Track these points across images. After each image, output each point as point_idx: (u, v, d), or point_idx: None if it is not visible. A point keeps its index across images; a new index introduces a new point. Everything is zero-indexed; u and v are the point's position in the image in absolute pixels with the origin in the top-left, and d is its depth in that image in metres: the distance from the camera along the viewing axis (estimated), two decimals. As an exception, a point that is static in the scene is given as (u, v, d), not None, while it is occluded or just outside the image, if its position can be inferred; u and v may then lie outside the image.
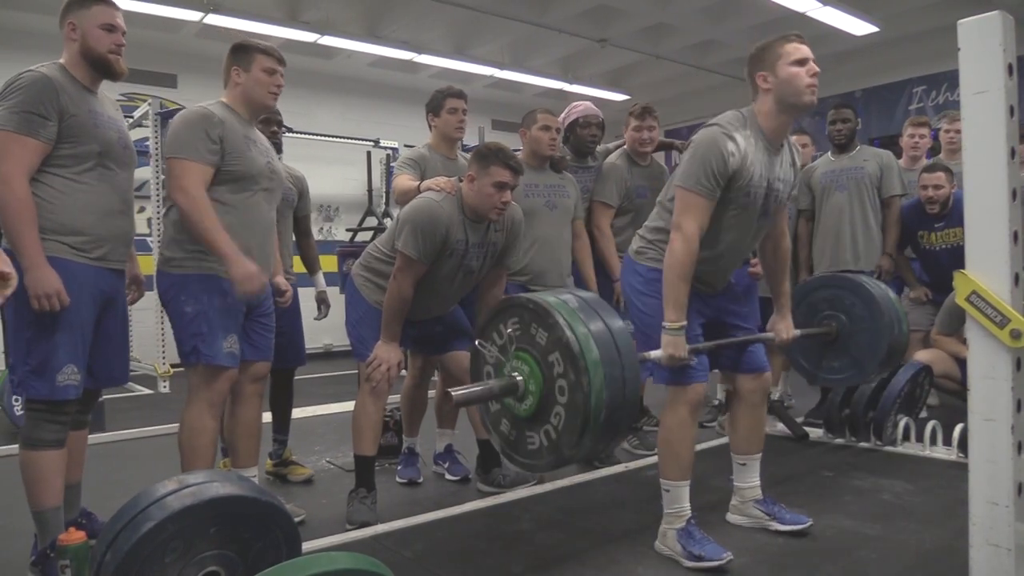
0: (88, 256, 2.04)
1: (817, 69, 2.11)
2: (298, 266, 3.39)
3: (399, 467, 3.12)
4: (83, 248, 2.03)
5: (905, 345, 2.77)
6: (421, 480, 3.05)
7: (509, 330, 1.87)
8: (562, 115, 3.34)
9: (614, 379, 1.72)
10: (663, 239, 2.17)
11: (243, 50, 2.32)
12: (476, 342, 1.97)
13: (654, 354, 2.06)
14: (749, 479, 2.39)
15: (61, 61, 2.09)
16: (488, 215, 2.46)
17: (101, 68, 2.10)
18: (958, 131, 3.34)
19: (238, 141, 2.23)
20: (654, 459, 3.24)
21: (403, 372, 3.11)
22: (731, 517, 2.43)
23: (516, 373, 1.83)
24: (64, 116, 1.99)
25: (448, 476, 3.11)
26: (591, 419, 1.70)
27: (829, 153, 3.97)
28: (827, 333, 2.71)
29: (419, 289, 2.50)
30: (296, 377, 3.27)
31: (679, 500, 2.17)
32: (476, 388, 1.90)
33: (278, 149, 2.93)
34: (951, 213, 3.67)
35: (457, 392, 1.83)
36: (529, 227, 2.85)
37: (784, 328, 2.45)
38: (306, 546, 1.81)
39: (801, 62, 2.09)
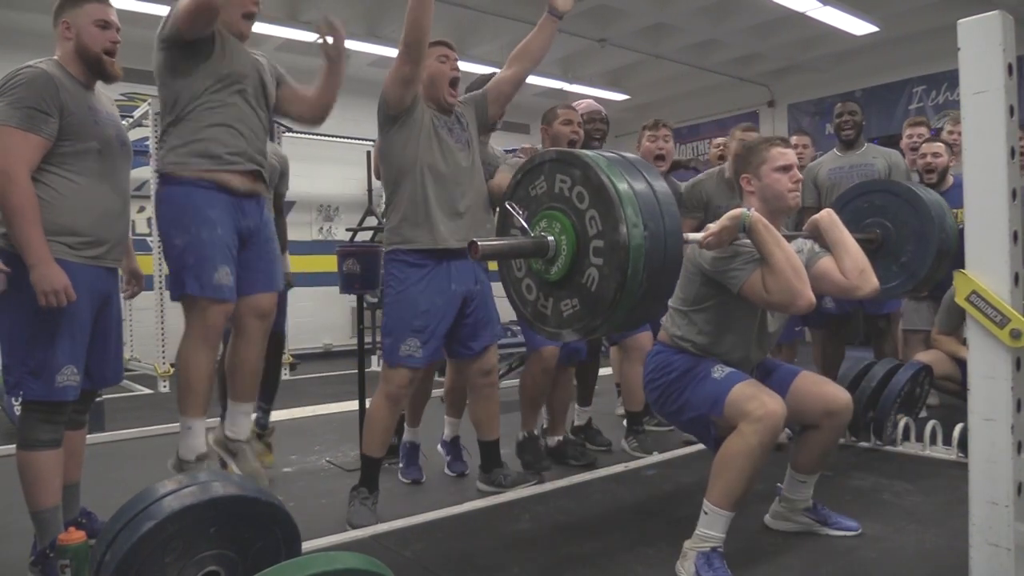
0: (86, 256, 2.04)
1: (800, 176, 2.15)
2: (297, 266, 3.39)
3: (401, 465, 3.11)
4: (81, 248, 2.03)
5: (954, 245, 2.61)
6: (424, 480, 3.05)
7: (540, 189, 1.77)
8: None
9: (656, 241, 1.60)
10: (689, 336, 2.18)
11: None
12: (506, 203, 1.86)
13: (693, 236, 1.98)
14: (801, 494, 2.30)
15: (56, 57, 2.07)
16: (443, 95, 2.61)
17: (95, 68, 2.09)
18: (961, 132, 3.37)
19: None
20: (654, 459, 3.25)
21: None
22: (772, 522, 2.36)
23: (546, 233, 1.72)
24: (64, 113, 1.98)
25: (447, 470, 3.12)
26: (627, 283, 1.58)
27: (835, 149, 3.94)
28: (871, 240, 2.57)
29: (434, 180, 2.51)
30: (296, 377, 3.27)
31: (715, 527, 1.98)
32: (503, 241, 1.80)
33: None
34: (950, 192, 3.64)
35: (483, 242, 1.67)
36: None
37: None
38: (306, 546, 1.81)
39: (785, 168, 2.12)
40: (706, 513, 2.00)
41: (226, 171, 2.21)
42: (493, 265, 2.27)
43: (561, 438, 3.30)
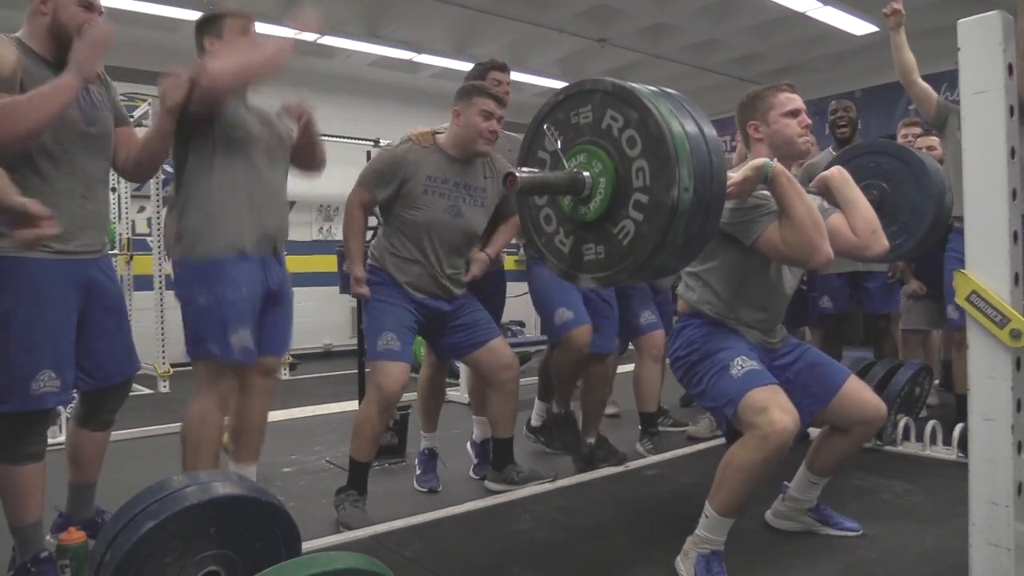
0: (57, 251, 1.88)
1: (809, 121, 2.11)
2: (297, 266, 3.39)
3: (418, 472, 3.03)
4: (52, 243, 1.83)
5: (949, 215, 2.61)
6: (440, 488, 2.98)
7: (584, 119, 1.63)
8: None
9: (700, 206, 1.51)
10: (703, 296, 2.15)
11: (213, 20, 2.19)
12: (543, 126, 1.72)
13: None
14: (809, 494, 2.29)
15: (17, 35, 1.90)
16: (477, 146, 2.56)
17: (67, 46, 1.88)
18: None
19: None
20: (654, 459, 3.25)
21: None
22: (774, 520, 2.36)
23: (583, 169, 1.60)
24: (13, 93, 1.77)
25: (472, 473, 3.12)
26: (665, 246, 1.50)
27: (831, 148, 3.92)
28: (870, 201, 2.53)
29: (414, 233, 2.56)
30: (296, 377, 3.28)
31: (715, 531, 1.97)
32: (542, 174, 1.66)
33: None
34: None
35: (522, 174, 1.57)
36: None
37: None
38: (306, 546, 1.81)
39: (793, 113, 2.09)
40: (707, 516, 1.99)
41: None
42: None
43: (593, 440, 3.19)
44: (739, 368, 1.97)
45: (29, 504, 1.91)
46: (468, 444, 3.25)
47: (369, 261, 2.67)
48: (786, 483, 2.35)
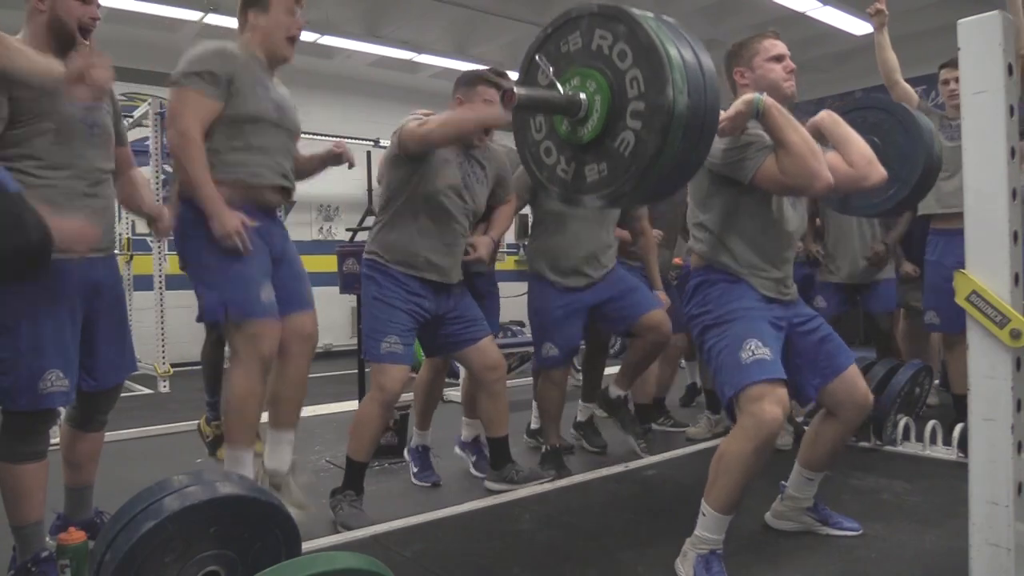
0: (63, 250, 1.80)
1: (793, 66, 2.14)
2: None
3: (415, 470, 3.07)
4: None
5: (940, 163, 2.64)
6: (441, 483, 3.02)
7: (574, 46, 1.68)
8: None
9: (696, 113, 1.54)
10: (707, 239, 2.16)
11: None
12: (535, 56, 1.76)
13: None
14: (806, 491, 2.29)
15: (18, 36, 1.89)
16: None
17: (67, 46, 1.92)
18: (944, 82, 3.36)
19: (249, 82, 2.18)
20: (654, 459, 3.25)
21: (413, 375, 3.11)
22: (773, 521, 2.35)
23: (578, 91, 1.65)
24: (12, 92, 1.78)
25: (473, 470, 3.13)
26: (665, 149, 1.53)
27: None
28: None
29: (427, 210, 2.57)
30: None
31: (713, 530, 1.98)
32: (540, 91, 1.70)
33: None
34: None
35: (519, 89, 1.63)
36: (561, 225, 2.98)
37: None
38: (305, 546, 1.81)
39: (778, 58, 2.12)
40: (704, 515, 2.00)
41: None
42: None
43: (622, 394, 3.32)
44: (750, 353, 1.96)
45: (31, 503, 1.91)
46: (456, 447, 3.24)
47: (369, 257, 2.67)
48: (783, 483, 2.35)
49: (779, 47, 2.14)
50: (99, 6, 2.00)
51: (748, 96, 1.95)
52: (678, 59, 1.53)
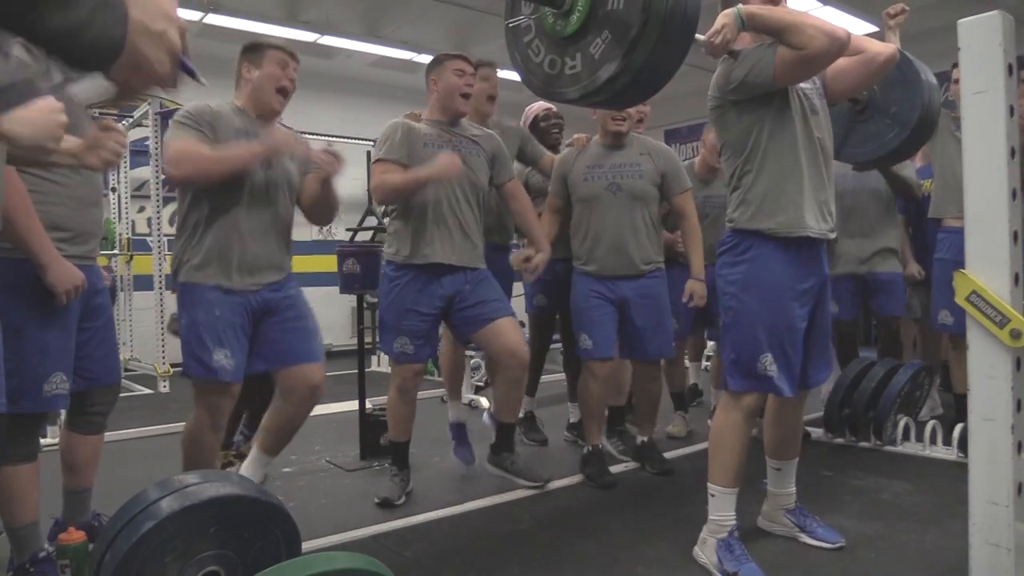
0: (69, 255, 1.92)
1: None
2: (298, 266, 3.40)
3: (454, 444, 3.16)
4: (65, 244, 1.91)
5: (938, 107, 2.61)
6: (474, 462, 3.10)
7: None
8: (522, 119, 3.64)
9: (674, 12, 1.64)
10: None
11: (255, 48, 2.31)
12: None
13: (700, 38, 1.94)
14: (782, 485, 2.30)
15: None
16: (457, 106, 2.64)
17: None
18: (955, 81, 3.28)
19: (228, 135, 2.21)
20: (654, 459, 3.25)
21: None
22: (761, 523, 2.35)
23: None
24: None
25: (453, 455, 3.17)
26: (641, 41, 1.62)
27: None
28: (857, 101, 2.53)
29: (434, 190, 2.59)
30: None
31: (725, 508, 2.06)
32: None
33: None
34: (923, 169, 3.60)
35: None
36: (590, 215, 2.96)
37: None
38: (305, 546, 1.81)
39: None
40: (713, 496, 2.06)
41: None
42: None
43: (647, 438, 3.18)
44: (763, 368, 2.02)
45: (25, 504, 1.92)
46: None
47: (387, 258, 2.74)
48: (765, 480, 2.37)
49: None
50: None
51: (727, 11, 1.96)
52: None
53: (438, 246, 2.62)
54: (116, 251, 6.04)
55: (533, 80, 1.91)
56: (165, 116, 5.61)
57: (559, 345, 3.70)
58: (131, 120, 5.78)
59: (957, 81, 3.29)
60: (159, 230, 5.70)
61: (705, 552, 2.08)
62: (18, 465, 1.90)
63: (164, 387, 5.52)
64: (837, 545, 2.19)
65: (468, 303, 2.70)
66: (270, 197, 2.29)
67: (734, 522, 2.06)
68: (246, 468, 2.44)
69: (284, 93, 2.32)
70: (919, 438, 3.21)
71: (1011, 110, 1.53)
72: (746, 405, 2.07)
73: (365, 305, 3.86)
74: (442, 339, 3.20)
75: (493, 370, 2.93)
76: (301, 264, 3.41)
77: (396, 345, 2.65)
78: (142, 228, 6.64)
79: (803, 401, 2.29)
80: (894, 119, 2.52)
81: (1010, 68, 1.53)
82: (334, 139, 7.61)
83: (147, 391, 5.47)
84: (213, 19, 6.14)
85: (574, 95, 1.80)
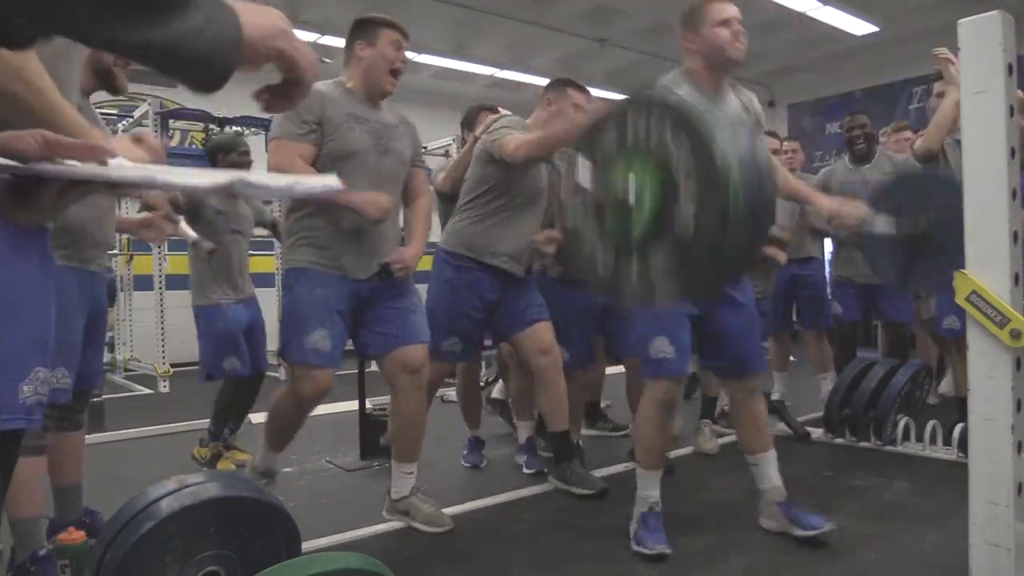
0: (82, 259, 1.97)
1: (741, 29, 2.18)
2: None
3: (464, 452, 3.28)
4: (71, 252, 1.95)
5: None
6: (484, 465, 3.23)
7: (610, 140, 1.65)
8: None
9: (749, 171, 1.47)
10: None
11: (368, 24, 2.31)
12: (577, 155, 1.76)
13: None
14: (765, 481, 2.31)
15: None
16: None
17: (105, 79, 2.02)
18: (940, 95, 3.22)
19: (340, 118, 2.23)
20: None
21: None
22: (763, 522, 2.33)
23: (623, 181, 1.59)
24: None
25: (525, 469, 3.11)
26: (729, 220, 1.45)
27: (847, 160, 3.86)
28: (920, 228, 2.40)
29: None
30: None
31: (647, 487, 2.26)
32: (591, 193, 1.69)
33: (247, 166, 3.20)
34: None
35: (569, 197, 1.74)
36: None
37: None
38: (305, 546, 1.81)
39: (725, 23, 2.16)
40: (638, 475, 2.29)
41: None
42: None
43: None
44: (657, 352, 2.18)
45: (31, 497, 1.94)
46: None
47: (448, 249, 2.73)
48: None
49: (727, 11, 2.16)
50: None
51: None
52: (714, 123, 1.50)
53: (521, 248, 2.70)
54: (116, 251, 6.04)
55: (607, 290, 1.83)
56: (165, 117, 5.61)
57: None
58: (131, 120, 5.77)
59: (940, 95, 3.28)
60: (159, 230, 5.69)
61: (632, 523, 2.25)
62: (25, 457, 1.92)
63: (164, 387, 5.51)
64: (819, 530, 2.19)
65: (510, 305, 2.75)
66: (385, 188, 2.29)
67: (656, 501, 2.24)
68: (394, 485, 2.47)
69: (396, 75, 2.31)
70: (919, 438, 3.20)
71: (1011, 110, 1.53)
72: (655, 396, 2.21)
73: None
74: (459, 372, 3.24)
75: (534, 384, 2.92)
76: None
77: (445, 344, 2.66)
78: (142, 228, 6.63)
79: (753, 394, 2.33)
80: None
81: (1010, 68, 1.53)
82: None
83: (147, 391, 5.46)
84: (213, 19, 6.14)
85: (671, 293, 1.64)
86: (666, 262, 1.56)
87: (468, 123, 3.38)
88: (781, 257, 3.38)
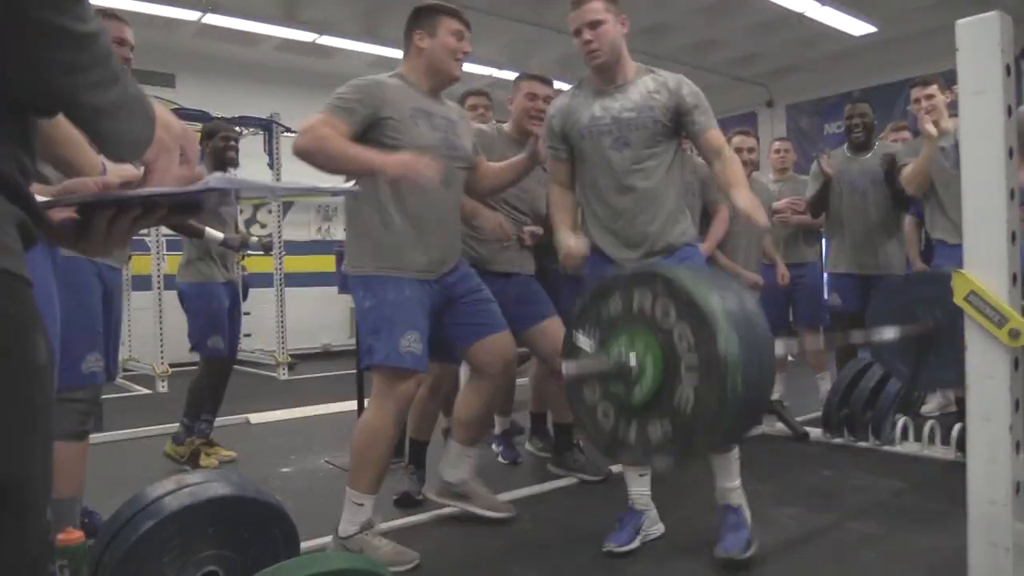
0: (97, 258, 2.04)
1: (591, 38, 2.15)
2: (296, 266, 3.42)
3: (493, 444, 3.38)
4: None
5: None
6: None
7: (615, 309, 1.67)
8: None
9: (751, 350, 1.49)
10: None
11: (427, 14, 2.22)
12: (572, 332, 1.75)
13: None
14: (718, 481, 2.22)
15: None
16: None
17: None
18: (929, 96, 3.20)
19: (404, 113, 2.13)
20: (653, 459, 3.25)
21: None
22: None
23: (625, 352, 1.60)
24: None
25: (501, 459, 3.32)
26: (728, 400, 1.47)
27: (845, 149, 3.85)
28: (924, 329, 2.37)
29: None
30: (294, 377, 3.29)
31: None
32: (587, 362, 1.68)
33: (234, 164, 3.25)
34: None
35: (568, 366, 1.64)
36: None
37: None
38: (305, 546, 1.81)
39: (577, 31, 2.17)
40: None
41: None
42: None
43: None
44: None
45: (72, 477, 1.97)
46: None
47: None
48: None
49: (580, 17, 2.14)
50: (132, 48, 2.21)
51: None
52: (720, 304, 1.51)
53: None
54: (115, 251, 6.04)
55: (605, 446, 1.77)
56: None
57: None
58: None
59: (918, 101, 3.26)
60: (158, 230, 5.69)
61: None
62: (67, 442, 1.95)
63: (162, 387, 5.51)
64: (732, 554, 2.07)
65: (515, 299, 2.69)
66: (451, 185, 2.26)
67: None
68: (451, 468, 2.48)
69: (460, 63, 2.27)
70: (918, 438, 3.21)
71: (1009, 110, 1.53)
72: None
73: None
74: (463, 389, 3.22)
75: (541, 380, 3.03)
76: (299, 264, 3.42)
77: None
78: (141, 228, 6.63)
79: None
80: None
81: (1008, 68, 1.53)
82: (333, 139, 7.62)
83: (145, 391, 5.46)
84: (211, 19, 6.14)
85: (669, 460, 1.66)
86: (663, 430, 1.60)
87: None
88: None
